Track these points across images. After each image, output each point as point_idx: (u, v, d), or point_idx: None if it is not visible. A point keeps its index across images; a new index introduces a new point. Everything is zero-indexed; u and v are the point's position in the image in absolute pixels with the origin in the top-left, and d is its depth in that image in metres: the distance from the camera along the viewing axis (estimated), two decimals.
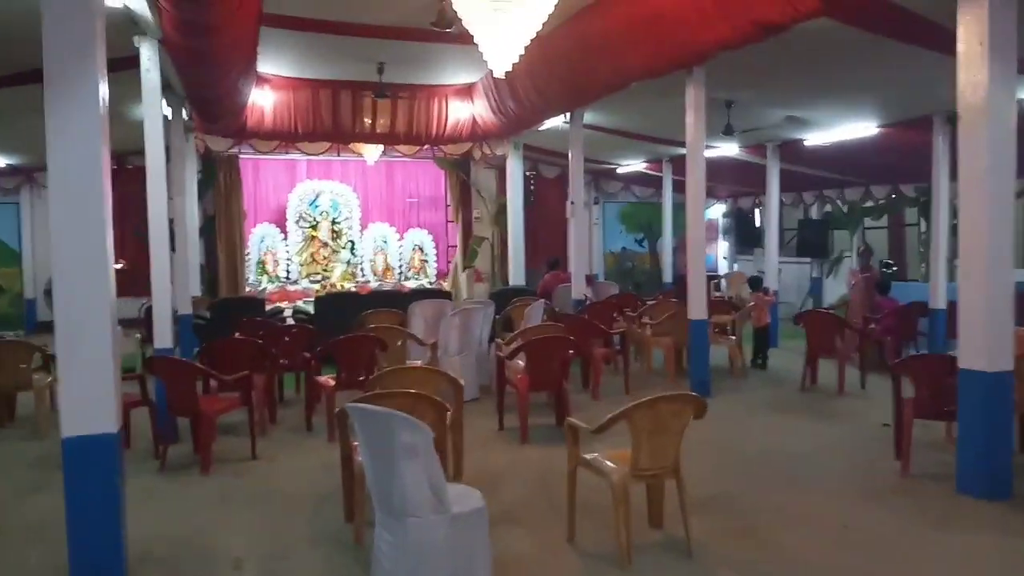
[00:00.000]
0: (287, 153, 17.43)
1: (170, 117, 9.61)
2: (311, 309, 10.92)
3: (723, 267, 18.77)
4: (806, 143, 12.27)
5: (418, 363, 7.80)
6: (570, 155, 11.19)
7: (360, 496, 4.35)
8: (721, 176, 15.54)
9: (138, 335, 10.18)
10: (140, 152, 9.77)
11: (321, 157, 18.16)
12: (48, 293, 13.10)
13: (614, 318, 9.92)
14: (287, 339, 8.18)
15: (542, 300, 8.99)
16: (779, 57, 7.92)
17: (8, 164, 13.52)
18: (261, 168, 18.36)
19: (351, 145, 13.37)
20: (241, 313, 10.22)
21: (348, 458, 4.59)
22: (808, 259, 15.86)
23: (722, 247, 18.99)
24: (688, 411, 4.12)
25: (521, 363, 6.97)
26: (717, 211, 18.90)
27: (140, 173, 11.29)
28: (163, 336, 6.89)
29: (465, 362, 8.24)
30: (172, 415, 6.09)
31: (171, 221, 10.11)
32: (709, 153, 13.76)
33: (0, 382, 7.47)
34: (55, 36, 3.59)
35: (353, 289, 18.07)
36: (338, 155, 17.69)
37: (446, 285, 18.62)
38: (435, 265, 19.22)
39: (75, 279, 3.63)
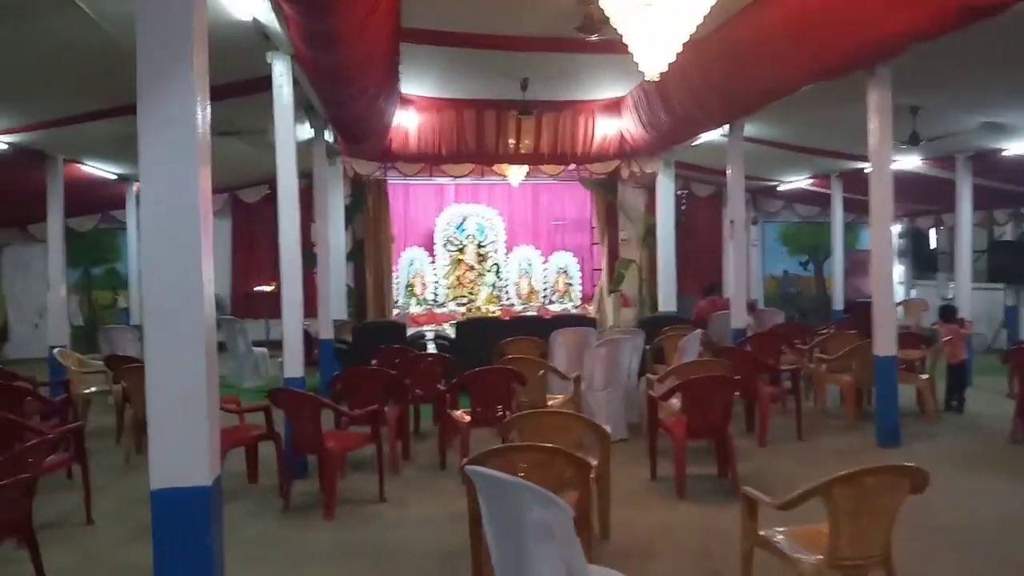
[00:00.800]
0: (431, 177, 17.47)
1: (312, 139, 9.49)
2: (452, 334, 10.50)
3: (898, 293, 16.98)
4: (1004, 153, 10.72)
5: (559, 399, 7.13)
6: (728, 171, 10.24)
7: (489, 572, 3.70)
8: (897, 193, 14.00)
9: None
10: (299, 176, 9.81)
11: (466, 181, 18.10)
12: None
13: (781, 351, 8.86)
14: (423, 368, 7.72)
15: (698, 331, 8.10)
16: (976, 51, 6.75)
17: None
18: (410, 193, 18.48)
19: (495, 167, 12.95)
20: (382, 338, 9.92)
21: (476, 521, 3.95)
22: (1001, 285, 13.97)
23: (896, 272, 17.19)
24: (903, 486, 3.20)
25: (676, 402, 6.14)
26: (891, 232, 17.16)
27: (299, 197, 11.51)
28: (293, 364, 6.57)
29: (611, 398, 7.48)
30: (296, 451, 5.69)
31: (313, 245, 10.09)
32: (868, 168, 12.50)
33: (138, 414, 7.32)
34: (148, 51, 3.20)
35: (496, 313, 17.77)
36: (482, 177, 17.57)
37: (591, 309, 17.92)
38: (580, 288, 18.65)
39: (166, 308, 3.20)
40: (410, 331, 11.25)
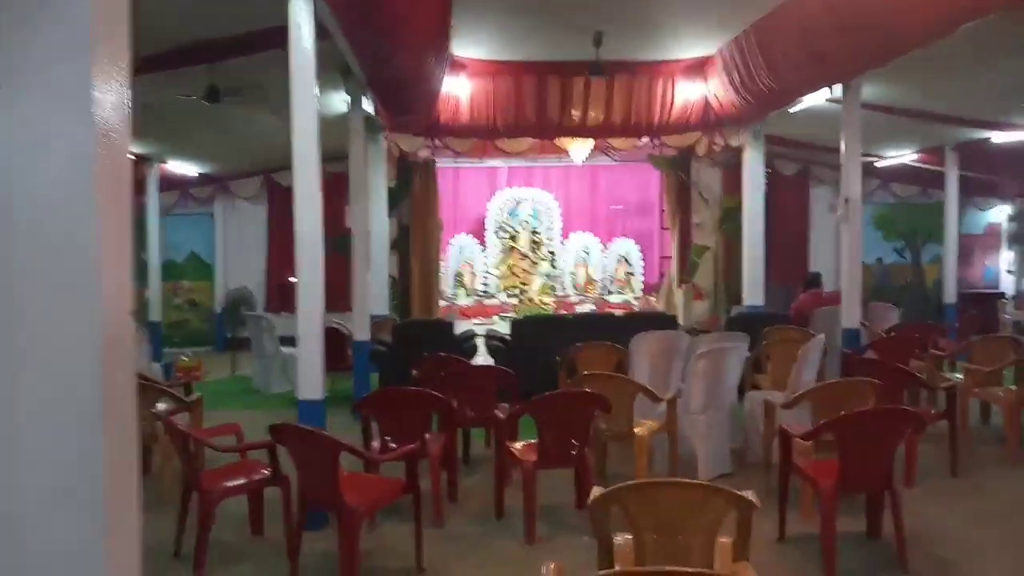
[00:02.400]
0: (482, 160, 16.04)
1: (348, 107, 8.10)
2: (506, 331, 9.01)
3: (1007, 283, 14.99)
4: None
5: (646, 425, 5.61)
6: (843, 138, 8.52)
7: None
8: (1012, 168, 12.13)
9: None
10: (337, 157, 8.43)
11: (520, 163, 16.70)
12: (227, 310, 12.17)
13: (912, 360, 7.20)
14: (474, 381, 6.25)
15: (821, 338, 6.46)
16: None
17: (201, 173, 12.81)
18: (460, 176, 17.16)
19: (557, 141, 11.39)
20: (426, 339, 8.52)
21: None
22: None
23: (1005, 258, 15.19)
24: None
25: (801, 424, 4.57)
26: (1000, 213, 15.17)
27: (337, 181, 10.22)
28: (309, 382, 5.10)
29: (712, 422, 5.93)
30: (306, 507, 4.27)
31: (348, 231, 8.69)
32: (1005, 137, 10.66)
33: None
34: None
35: (551, 306, 16.28)
36: (536, 160, 16.16)
37: (655, 301, 16.31)
38: (642, 278, 17.11)
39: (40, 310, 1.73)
40: (458, 327, 9.81)
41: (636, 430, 5.46)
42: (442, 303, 15.85)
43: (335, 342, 8.93)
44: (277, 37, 5.56)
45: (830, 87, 8.48)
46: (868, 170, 14.35)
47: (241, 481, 4.54)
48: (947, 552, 4.53)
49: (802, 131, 11.91)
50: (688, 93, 10.35)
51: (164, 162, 11.67)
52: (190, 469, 4.45)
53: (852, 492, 4.48)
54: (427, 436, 5.06)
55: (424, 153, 13.83)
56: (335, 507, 4.04)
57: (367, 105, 8.92)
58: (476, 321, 15.94)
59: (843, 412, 4.38)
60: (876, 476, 4.23)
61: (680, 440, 5.74)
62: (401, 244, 14.23)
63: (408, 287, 14.18)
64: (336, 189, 10.10)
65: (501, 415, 5.38)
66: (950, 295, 11.83)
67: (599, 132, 11.14)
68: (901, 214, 14.97)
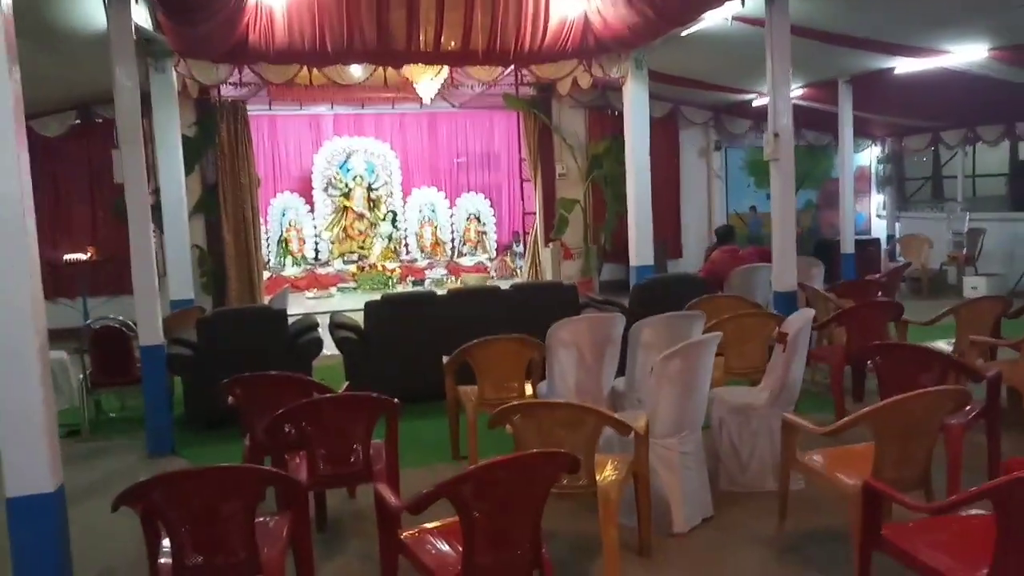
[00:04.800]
0: (303, 106, 13.56)
1: (105, 5, 5.50)
2: (360, 322, 6.77)
3: (877, 228, 14.39)
4: None
5: (613, 469, 3.65)
6: (770, 61, 6.90)
7: None
8: (892, 104, 11.19)
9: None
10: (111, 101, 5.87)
11: (348, 110, 14.40)
12: None
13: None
14: (332, 424, 3.97)
15: (809, 312, 4.75)
16: None
17: None
18: (279, 125, 14.57)
19: (404, 71, 9.06)
20: (247, 336, 6.16)
21: None
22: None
23: (874, 203, 14.58)
24: None
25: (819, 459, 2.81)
26: (866, 157, 14.48)
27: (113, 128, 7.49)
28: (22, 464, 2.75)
29: (687, 449, 4.08)
30: None
31: (120, 187, 6.11)
32: (912, 65, 9.39)
33: None
34: None
35: (396, 272, 14.14)
36: (364, 107, 13.93)
37: (515, 264, 14.52)
38: (495, 237, 15.34)
39: None
40: (292, 314, 7.49)
41: (598, 478, 3.49)
42: (266, 275, 13.29)
43: (118, 345, 6.40)
44: None
45: None
46: (740, 110, 13.15)
47: None
48: None
49: (677, 63, 10.31)
50: (566, 10, 8.38)
51: None
52: None
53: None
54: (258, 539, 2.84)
55: (231, 92, 11.12)
56: None
57: (139, 13, 6.32)
58: (309, 295, 13.55)
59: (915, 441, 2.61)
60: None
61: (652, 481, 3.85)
62: (207, 206, 11.50)
63: (221, 260, 11.49)
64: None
65: (385, 492, 3.18)
66: (848, 244, 10.73)
67: (456, 60, 8.96)
68: None
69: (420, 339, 6.46)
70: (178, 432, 6.04)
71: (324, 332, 6.83)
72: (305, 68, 8.71)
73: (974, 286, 11.44)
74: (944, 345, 5.71)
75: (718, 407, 4.61)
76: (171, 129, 8.46)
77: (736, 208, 13.96)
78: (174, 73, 8.45)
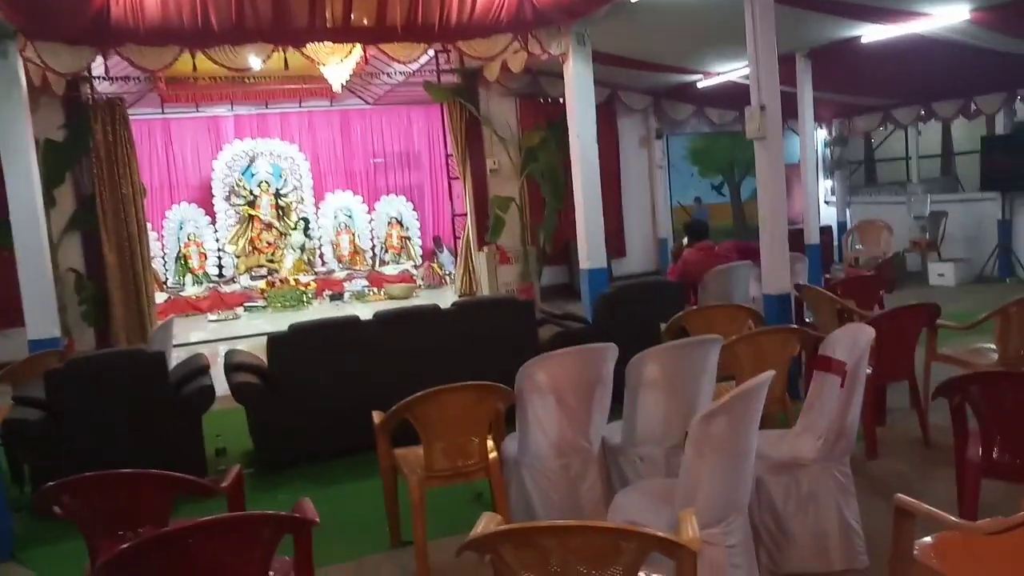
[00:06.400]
0: (199, 107, 12.17)
1: None
2: (265, 362, 5.35)
3: (827, 215, 13.59)
4: None
5: None
6: (751, 31, 5.78)
7: None
8: (852, 81, 10.31)
9: None
10: None
11: (250, 110, 13.07)
12: None
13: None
14: (204, 555, 2.56)
15: (866, 331, 3.59)
16: None
17: None
18: (172, 129, 13.05)
19: (308, 49, 7.58)
20: (115, 388, 4.69)
21: None
22: (992, 195, 10.75)
23: (823, 187, 13.77)
24: None
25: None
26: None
27: None
28: None
29: (735, 541, 2.86)
30: None
31: None
32: (882, 32, 8.40)
33: None
34: None
35: (311, 286, 12.68)
36: (268, 106, 12.60)
37: (443, 271, 13.23)
38: (419, 243, 14.07)
39: None
40: (176, 358, 6.02)
41: None
42: (161, 298, 11.68)
43: None
44: None
45: None
46: (683, 94, 12.15)
47: None
48: None
49: (618, 41, 9.19)
50: None
51: None
52: None
53: None
54: None
55: (108, 88, 9.53)
56: None
57: None
58: (212, 317, 11.96)
59: None
60: None
61: None
62: (83, 221, 9.83)
63: (103, 284, 9.82)
64: None
65: None
66: (812, 234, 9.78)
67: (369, 38, 7.59)
68: (719, 145, 12.96)
69: (342, 379, 5.11)
70: (24, 524, 4.52)
71: (222, 371, 5.41)
72: (188, 52, 7.21)
73: (940, 273, 10.71)
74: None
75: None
76: (18, 130, 6.82)
77: (680, 200, 12.96)
78: (19, 59, 6.83)
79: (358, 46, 7.65)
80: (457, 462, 3.54)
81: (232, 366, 5.36)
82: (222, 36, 6.92)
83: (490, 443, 3.70)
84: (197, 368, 5.29)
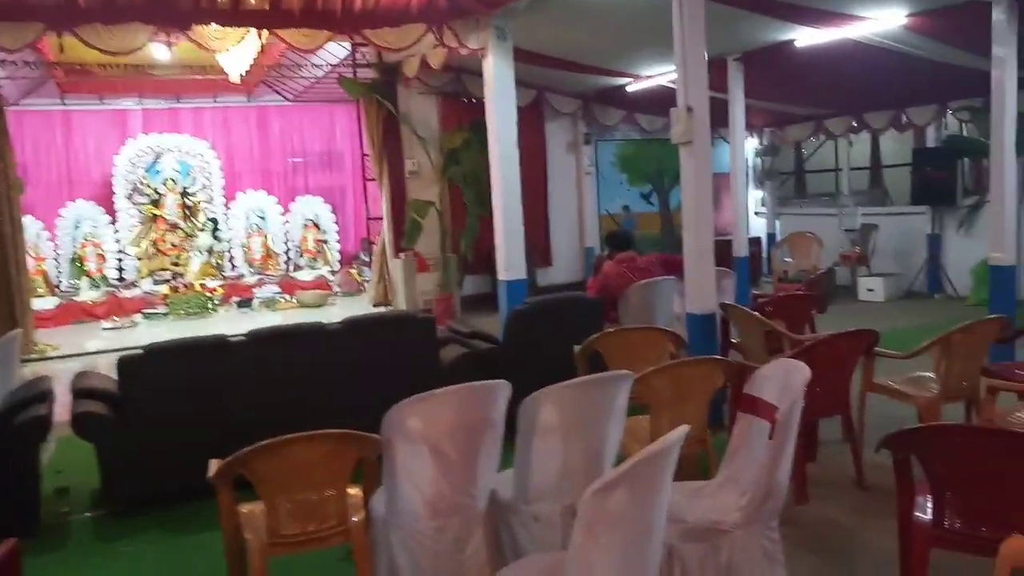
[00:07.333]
0: (103, 100, 11.37)
1: None
2: (116, 388, 4.59)
3: (757, 227, 13.30)
4: None
5: None
6: (679, 27, 5.27)
7: None
8: (783, 88, 10.00)
9: None
10: None
11: (159, 104, 12.32)
12: None
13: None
14: None
15: (801, 370, 3.07)
16: None
17: None
18: (74, 122, 12.16)
19: (196, 35, 6.80)
20: None
21: None
22: (922, 208, 10.55)
23: (753, 198, 13.49)
24: None
25: None
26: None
27: None
28: None
29: None
30: None
31: None
32: (817, 37, 8.03)
33: None
34: None
35: (218, 292, 11.86)
36: (180, 100, 11.81)
37: (363, 277, 12.51)
38: (338, 246, 13.35)
39: None
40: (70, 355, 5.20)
41: None
42: (52, 303, 10.79)
43: None
44: None
45: None
46: (612, 98, 11.68)
47: None
48: None
49: (544, 38, 8.66)
50: None
51: None
52: None
53: None
54: None
55: None
56: None
57: None
58: (107, 325, 11.04)
59: None
60: None
61: None
62: None
63: None
64: None
65: None
66: (741, 247, 9.39)
67: (263, 22, 6.85)
68: (647, 152, 12.54)
69: (205, 409, 4.40)
70: None
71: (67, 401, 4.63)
72: (54, 33, 6.38)
73: (870, 288, 10.47)
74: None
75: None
76: None
77: (608, 208, 12.49)
78: None
79: (252, 31, 6.89)
80: (308, 526, 2.88)
81: (80, 392, 4.59)
82: (89, 14, 6.11)
83: (355, 497, 3.06)
84: (35, 395, 4.50)
